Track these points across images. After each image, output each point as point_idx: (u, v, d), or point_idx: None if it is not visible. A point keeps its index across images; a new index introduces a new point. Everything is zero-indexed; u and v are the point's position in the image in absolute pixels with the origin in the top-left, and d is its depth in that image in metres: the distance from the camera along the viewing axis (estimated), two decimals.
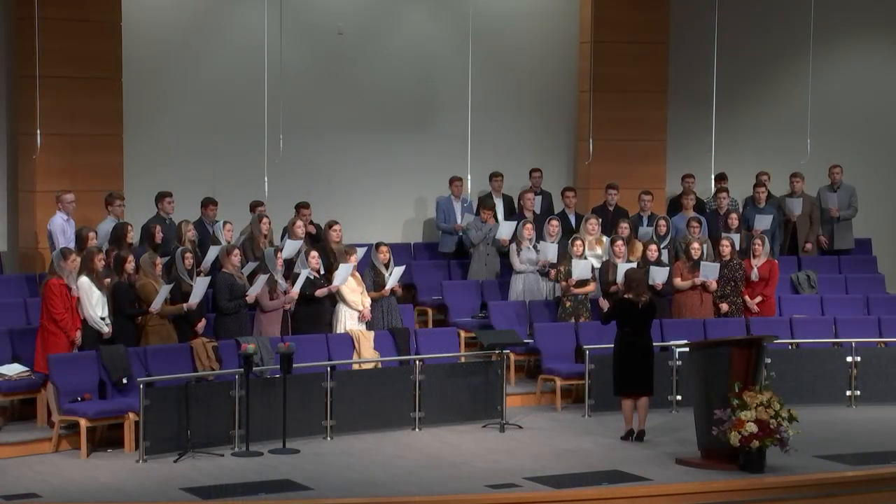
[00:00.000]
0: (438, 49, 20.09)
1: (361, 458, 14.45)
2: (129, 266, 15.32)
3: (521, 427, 15.86)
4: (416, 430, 15.72)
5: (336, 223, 17.52)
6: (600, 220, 18.54)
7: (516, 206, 19.71)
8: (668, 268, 17.71)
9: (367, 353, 16.28)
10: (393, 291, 16.97)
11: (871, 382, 17.36)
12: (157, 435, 14.19)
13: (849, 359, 17.36)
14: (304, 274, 16.28)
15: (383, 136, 19.85)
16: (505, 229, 18.64)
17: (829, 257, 20.25)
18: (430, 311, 18.67)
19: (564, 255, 17.85)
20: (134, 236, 16.28)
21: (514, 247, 18.29)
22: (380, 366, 16.23)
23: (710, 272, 17.72)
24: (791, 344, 17.72)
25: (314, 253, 16.67)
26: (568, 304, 17.60)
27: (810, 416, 15.48)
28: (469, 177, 19.87)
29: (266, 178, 18.60)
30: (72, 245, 15.74)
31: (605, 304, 17.27)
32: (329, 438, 15.24)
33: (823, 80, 21.63)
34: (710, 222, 19.20)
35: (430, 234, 20.12)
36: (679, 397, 16.73)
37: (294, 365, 14.84)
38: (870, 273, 20.22)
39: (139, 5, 18.22)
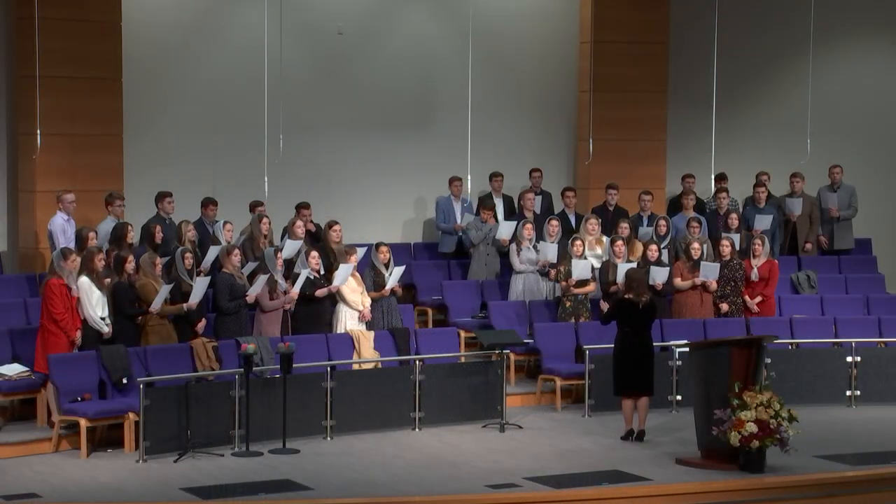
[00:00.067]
0: (438, 49, 20.09)
1: (361, 458, 14.45)
2: (129, 266, 15.32)
3: (521, 427, 15.86)
4: (416, 430, 15.72)
5: (336, 223, 17.52)
6: (600, 220, 18.54)
7: (516, 206, 19.71)
8: (668, 268, 17.71)
9: (367, 353, 16.28)
10: (393, 291, 16.97)
11: (871, 382, 17.36)
12: (157, 435, 14.19)
13: (849, 359, 17.36)
14: (304, 274, 16.28)
15: (383, 136, 19.85)
16: (505, 229, 18.64)
17: (829, 257, 20.25)
18: (430, 311, 18.67)
19: (564, 255, 17.85)
20: (134, 236, 16.28)
21: (514, 247, 18.29)
22: (380, 366, 16.23)
23: (710, 272, 17.72)
24: (791, 344, 17.72)
25: (314, 253, 16.67)
26: (568, 304, 17.60)
27: (810, 416, 15.48)
28: (469, 177, 19.87)
29: (266, 178, 18.60)
30: (72, 245, 15.74)
31: (605, 307, 17.26)
32: (329, 438, 15.24)
33: (823, 80, 21.63)
34: (710, 222, 19.21)
35: (429, 234, 20.12)
36: (679, 397, 16.73)
37: (294, 365, 14.84)
38: (870, 273, 20.22)
39: (139, 5, 18.22)
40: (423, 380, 15.85)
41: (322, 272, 16.70)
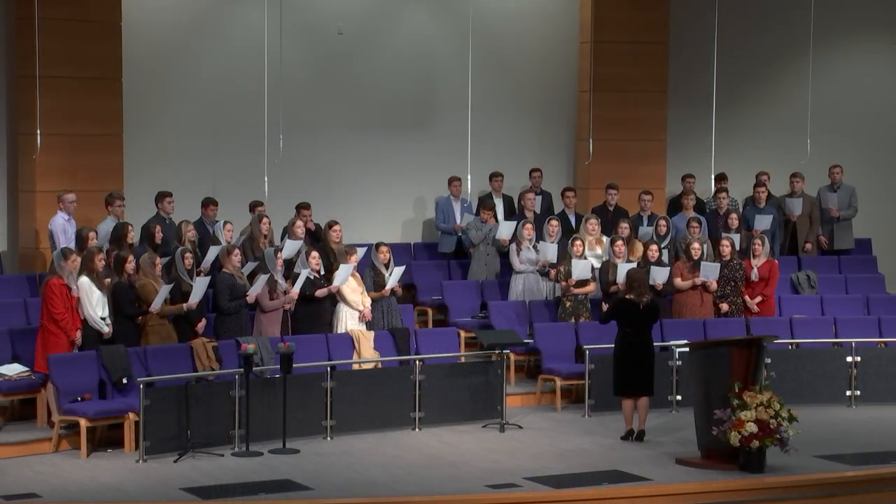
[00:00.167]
0: (438, 49, 20.09)
1: (361, 458, 14.45)
2: (130, 266, 15.32)
3: (521, 427, 15.86)
4: (416, 430, 15.72)
5: (336, 223, 17.52)
6: (600, 220, 18.54)
7: (516, 206, 19.72)
8: (668, 268, 17.71)
9: (367, 353, 16.28)
10: (393, 291, 16.97)
11: (871, 382, 17.36)
12: (157, 435, 14.19)
13: (849, 359, 17.36)
14: (304, 274, 16.29)
15: (383, 136, 19.85)
16: (505, 229, 18.64)
17: (829, 257, 20.25)
18: (430, 311, 18.67)
19: (564, 255, 17.85)
20: (134, 236, 16.28)
21: (513, 247, 18.29)
22: (380, 366, 16.23)
23: (710, 272, 17.71)
24: (791, 344, 17.72)
25: (314, 253, 16.67)
26: (568, 304, 17.60)
27: (810, 416, 15.48)
28: (469, 177, 19.88)
29: (266, 178, 18.60)
30: (72, 245, 15.74)
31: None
32: (329, 438, 15.24)
33: (823, 80, 21.63)
34: (710, 222, 19.21)
35: (429, 234, 20.12)
36: (679, 397, 16.72)
37: (294, 365, 14.84)
38: (870, 273, 20.22)
39: (139, 5, 18.22)
40: (423, 380, 15.85)
41: (322, 272, 16.70)
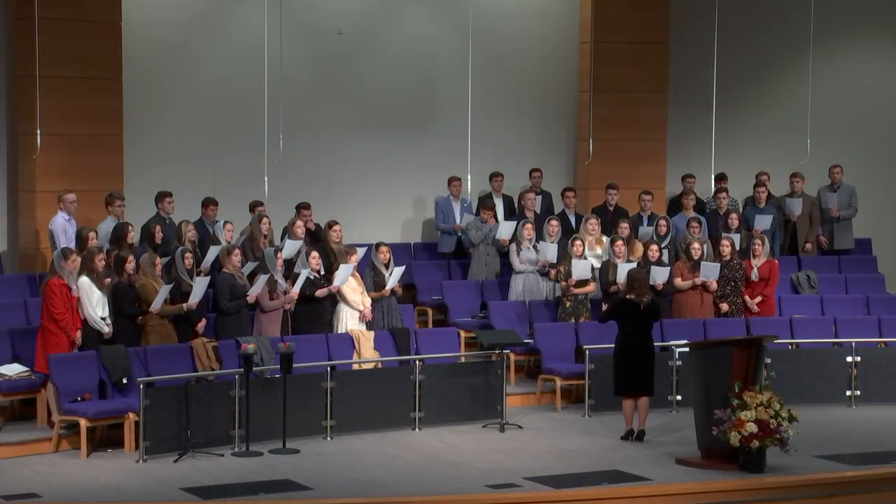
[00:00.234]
0: (438, 49, 20.09)
1: (361, 458, 14.45)
2: (130, 266, 15.32)
3: (521, 427, 15.86)
4: (416, 430, 15.72)
5: (336, 223, 17.52)
6: (600, 220, 18.54)
7: (516, 206, 19.72)
8: (668, 268, 17.71)
9: (367, 353, 16.28)
10: (393, 291, 16.97)
11: (871, 382, 17.36)
12: (157, 435, 14.19)
13: (849, 359, 17.36)
14: (304, 274, 16.28)
15: (383, 136, 19.84)
16: (505, 229, 18.64)
17: (829, 257, 20.25)
18: (430, 311, 18.67)
19: (564, 255, 17.85)
20: (134, 236, 16.28)
21: (513, 247, 18.29)
22: (380, 366, 16.23)
23: (710, 272, 17.71)
24: (791, 344, 17.72)
25: (314, 253, 16.67)
26: (568, 304, 17.60)
27: (810, 416, 15.48)
28: (469, 177, 19.88)
29: (266, 178, 18.61)
30: (72, 245, 15.74)
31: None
32: (329, 438, 15.24)
33: (823, 80, 21.63)
34: (710, 222, 19.21)
35: (429, 234, 20.12)
36: (679, 397, 16.72)
37: (294, 365, 14.83)
38: (870, 273, 20.22)
39: (139, 5, 18.22)
40: (423, 380, 15.85)
41: (322, 272, 16.70)
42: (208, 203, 17.67)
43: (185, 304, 15.47)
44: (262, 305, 16.02)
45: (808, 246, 20.12)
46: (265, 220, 17.22)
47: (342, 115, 19.57)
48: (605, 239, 18.25)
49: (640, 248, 18.04)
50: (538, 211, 19.37)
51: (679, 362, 16.64)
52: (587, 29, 20.45)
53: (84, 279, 14.82)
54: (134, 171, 18.00)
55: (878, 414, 16.84)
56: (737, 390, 13.90)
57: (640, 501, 13.07)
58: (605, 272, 17.67)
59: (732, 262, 17.95)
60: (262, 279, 15.93)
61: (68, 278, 14.75)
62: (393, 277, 16.91)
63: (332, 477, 13.63)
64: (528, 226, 18.32)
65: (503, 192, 19.76)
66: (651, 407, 15.49)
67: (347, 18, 19.61)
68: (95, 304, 14.84)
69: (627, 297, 15.39)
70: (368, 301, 16.68)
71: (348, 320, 16.56)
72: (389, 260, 17.08)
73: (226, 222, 17.19)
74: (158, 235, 16.53)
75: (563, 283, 17.64)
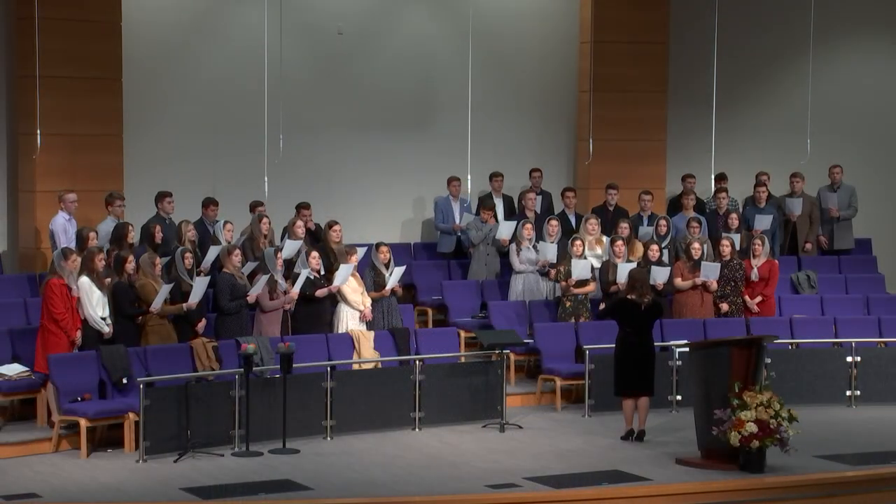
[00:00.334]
0: (438, 49, 20.09)
1: (361, 458, 14.45)
2: (130, 266, 15.32)
3: (521, 427, 15.86)
4: (416, 430, 15.72)
5: (336, 223, 17.52)
6: (600, 220, 18.54)
7: (516, 206, 19.72)
8: (668, 268, 17.71)
9: (367, 353, 16.28)
10: (393, 291, 16.97)
11: (871, 382, 17.36)
12: (157, 435, 14.19)
13: (849, 359, 17.36)
14: (304, 274, 16.28)
15: (383, 136, 19.85)
16: (505, 229, 18.64)
17: (829, 257, 20.25)
18: (430, 311, 18.67)
19: (564, 255, 17.85)
20: (134, 236, 16.28)
21: (513, 247, 18.29)
22: (380, 366, 16.23)
23: (710, 272, 17.71)
24: (791, 344, 17.72)
25: (314, 253, 16.67)
26: (568, 304, 17.60)
27: (810, 416, 15.48)
28: (469, 177, 19.87)
29: (266, 178, 18.60)
30: (73, 245, 15.74)
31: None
32: (329, 438, 15.24)
33: (823, 80, 21.63)
34: (710, 222, 19.21)
35: (428, 234, 20.11)
36: (679, 397, 16.72)
37: (294, 365, 14.83)
38: (870, 273, 20.22)
39: (139, 5, 18.22)
40: (423, 380, 15.85)
41: (322, 272, 16.70)
42: (208, 203, 17.67)
43: (185, 304, 15.47)
44: (263, 305, 16.02)
45: (808, 246, 20.12)
46: (265, 220, 17.22)
47: (342, 115, 19.57)
48: (605, 239, 18.25)
49: (640, 248, 18.04)
50: (538, 211, 19.38)
51: (679, 362, 16.64)
52: (587, 29, 20.45)
53: (84, 279, 14.82)
54: (134, 171, 18.00)
55: (878, 414, 16.84)
56: (737, 390, 13.90)
57: (640, 501, 13.07)
58: (605, 272, 17.67)
59: (732, 262, 17.95)
60: (262, 279, 15.93)
61: (68, 278, 14.75)
62: (393, 277, 16.91)
63: (332, 477, 13.63)
64: (528, 226, 18.32)
65: (503, 192, 19.76)
66: (651, 407, 15.49)
67: (347, 18, 19.61)
68: (95, 304, 14.84)
69: (628, 297, 15.39)
70: (369, 301, 16.68)
71: (348, 320, 16.56)
72: (389, 260, 17.08)
73: (226, 222, 17.20)
74: (158, 235, 16.53)
75: (563, 283, 17.64)
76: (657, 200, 19.92)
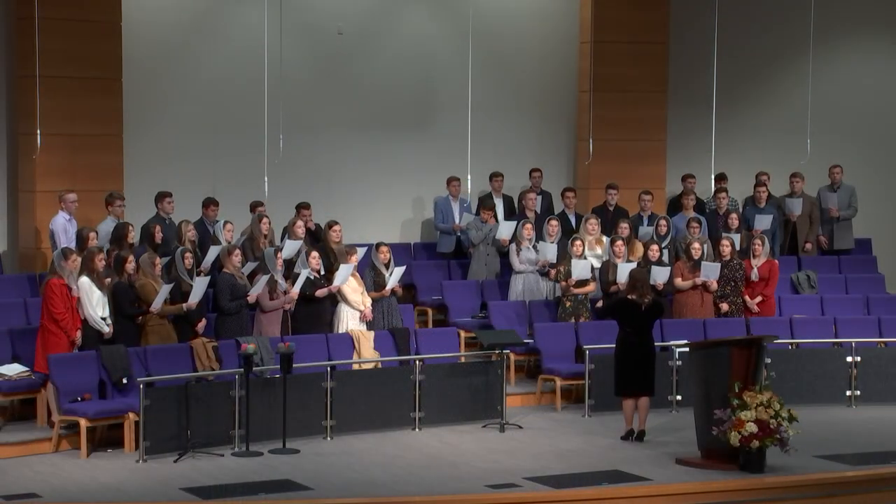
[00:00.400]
0: (438, 49, 20.09)
1: (361, 458, 14.45)
2: (130, 266, 15.32)
3: (521, 427, 15.86)
4: (416, 430, 15.72)
5: (336, 223, 17.52)
6: (600, 220, 18.54)
7: (516, 206, 19.72)
8: (669, 268, 17.71)
9: (367, 353, 16.28)
10: (393, 291, 16.97)
11: (871, 382, 17.36)
12: (157, 435, 14.19)
13: (849, 359, 17.36)
14: (304, 274, 16.29)
15: (383, 136, 19.85)
16: (505, 229, 18.64)
17: (829, 257, 20.25)
18: (430, 311, 18.67)
19: (564, 255, 17.85)
20: (134, 236, 16.28)
21: (513, 247, 18.29)
22: (380, 366, 16.23)
23: (710, 272, 17.71)
24: (791, 344, 17.72)
25: (314, 253, 16.67)
26: (568, 304, 17.60)
27: (810, 416, 15.48)
28: (469, 177, 19.88)
29: (266, 178, 18.61)
30: (73, 245, 15.74)
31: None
32: (329, 438, 15.24)
33: (823, 80, 21.63)
34: (710, 222, 19.21)
35: (428, 234, 20.11)
36: (679, 397, 16.72)
37: (294, 365, 14.83)
38: (870, 273, 20.22)
39: (139, 5, 18.22)
40: (423, 380, 15.85)
41: (322, 272, 16.70)
42: (209, 203, 17.67)
43: (185, 304, 15.47)
44: (263, 305, 16.02)
45: (808, 246, 20.12)
46: (265, 220, 17.22)
47: (342, 115, 19.57)
48: (605, 239, 18.26)
49: (640, 248, 18.04)
50: (538, 211, 19.38)
51: (679, 362, 16.64)
52: (587, 29, 20.45)
53: (84, 279, 14.82)
54: (134, 171, 18.00)
55: (878, 414, 16.84)
56: (737, 390, 13.90)
57: (640, 501, 13.07)
58: (605, 272, 17.67)
59: (732, 262, 17.95)
60: (262, 279, 15.93)
61: (68, 278, 14.76)
62: (393, 277, 16.91)
63: (332, 477, 13.63)
64: (528, 226, 18.32)
65: (503, 192, 19.76)
66: (651, 407, 15.48)
67: (347, 18, 19.61)
68: (95, 304, 14.84)
69: (629, 297, 15.39)
70: (369, 301, 16.68)
71: (349, 320, 16.56)
72: (390, 260, 17.08)
73: (226, 222, 17.20)
74: (158, 235, 16.53)
75: (563, 283, 17.64)
76: (657, 200, 19.92)
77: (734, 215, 18.94)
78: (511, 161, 20.17)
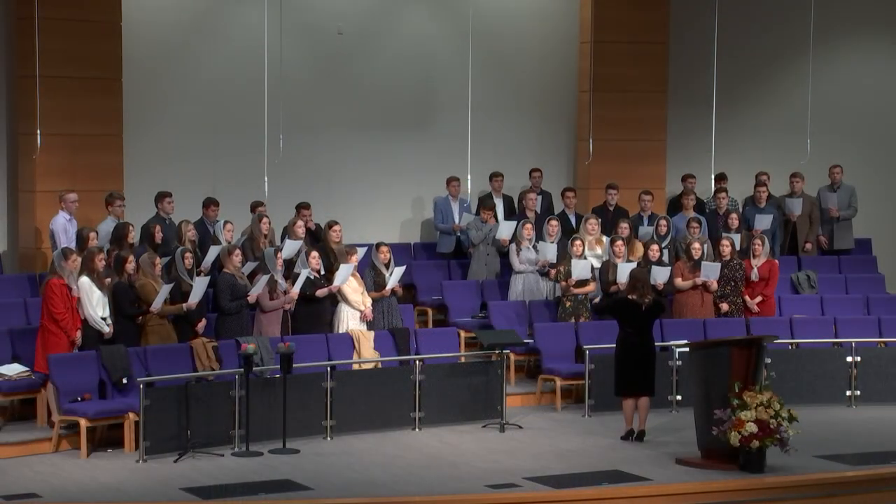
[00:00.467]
0: (438, 49, 20.09)
1: (361, 458, 14.45)
2: (130, 266, 15.32)
3: (521, 427, 15.86)
4: (416, 430, 15.72)
5: (336, 223, 17.53)
6: (600, 220, 18.54)
7: (516, 206, 19.72)
8: (668, 268, 17.71)
9: (367, 353, 16.28)
10: (393, 291, 16.97)
11: (871, 382, 17.36)
12: (157, 435, 14.19)
13: (849, 359, 17.36)
14: (304, 274, 16.29)
15: (383, 136, 19.85)
16: (505, 229, 18.64)
17: (829, 257, 20.25)
18: (430, 311, 18.67)
19: (564, 255, 17.85)
20: (134, 236, 16.28)
21: (513, 247, 18.29)
22: (380, 366, 16.23)
23: (711, 272, 17.71)
24: (791, 344, 17.72)
25: (314, 253, 16.67)
26: (568, 304, 17.60)
27: (810, 416, 15.48)
28: (469, 177, 19.88)
29: (266, 178, 18.61)
30: (73, 245, 15.74)
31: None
32: (329, 438, 15.24)
33: (823, 80, 21.63)
34: (710, 222, 19.21)
35: (428, 234, 20.11)
36: (679, 397, 16.72)
37: (294, 365, 14.83)
38: (870, 273, 20.22)
39: (139, 5, 18.22)
40: (423, 380, 15.85)
41: (322, 272, 16.70)
42: (209, 203, 17.67)
43: (185, 304, 15.47)
44: (263, 305, 16.02)
45: (808, 246, 20.12)
46: (265, 220, 17.22)
47: (342, 115, 19.57)
48: (605, 239, 18.25)
49: (640, 248, 18.05)
50: (538, 211, 19.38)
51: (679, 362, 16.64)
52: (587, 29, 20.45)
53: (84, 279, 14.82)
54: (134, 171, 18.00)
55: (878, 414, 16.84)
56: (737, 390, 13.90)
57: (640, 501, 13.07)
58: (605, 272, 17.67)
59: (732, 262, 17.95)
60: (262, 279, 15.93)
61: (68, 278, 14.76)
62: (393, 277, 16.91)
63: (332, 477, 13.63)
64: (528, 226, 18.32)
65: (503, 192, 19.76)
66: (651, 407, 15.48)
67: (347, 18, 19.61)
68: (95, 304, 14.85)
69: (629, 297, 15.39)
70: (369, 301, 16.68)
71: (349, 320, 16.56)
72: (390, 260, 17.08)
73: (226, 222, 17.20)
74: (158, 235, 16.53)
75: (563, 283, 17.64)
76: (657, 200, 19.92)
77: (734, 215, 18.95)
78: (511, 161, 20.17)
